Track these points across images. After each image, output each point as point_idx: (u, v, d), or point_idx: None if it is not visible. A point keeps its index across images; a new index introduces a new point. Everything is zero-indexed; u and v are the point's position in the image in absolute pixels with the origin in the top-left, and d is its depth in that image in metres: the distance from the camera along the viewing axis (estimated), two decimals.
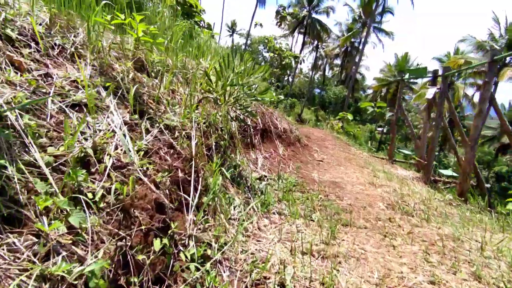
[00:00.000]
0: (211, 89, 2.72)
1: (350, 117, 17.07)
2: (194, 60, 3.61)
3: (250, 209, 2.50)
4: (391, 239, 2.58)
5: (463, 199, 4.73)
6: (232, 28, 54.38)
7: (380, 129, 37.16)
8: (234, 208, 2.36)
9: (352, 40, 38.59)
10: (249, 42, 45.57)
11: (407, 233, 2.75)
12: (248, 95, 2.81)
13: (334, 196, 3.67)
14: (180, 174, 1.87)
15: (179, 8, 7.13)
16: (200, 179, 2.06)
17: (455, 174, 5.74)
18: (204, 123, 2.73)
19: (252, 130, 4.36)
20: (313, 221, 2.75)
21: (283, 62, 16.43)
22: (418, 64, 32.53)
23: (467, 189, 4.79)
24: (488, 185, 6.26)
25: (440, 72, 6.77)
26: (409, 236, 2.68)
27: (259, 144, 4.54)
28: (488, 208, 5.18)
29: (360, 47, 33.37)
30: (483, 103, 4.50)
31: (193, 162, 2.03)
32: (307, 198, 3.34)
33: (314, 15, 34.78)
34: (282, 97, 15.05)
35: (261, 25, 20.23)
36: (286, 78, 50.29)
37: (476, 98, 29.62)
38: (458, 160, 7.12)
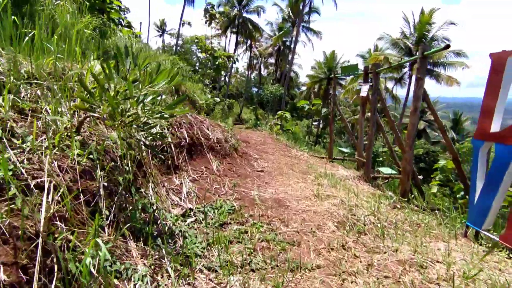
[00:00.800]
0: (92, 105, 1.87)
1: (288, 115, 17.11)
2: (79, 63, 2.66)
3: (163, 277, 1.74)
4: (352, 282, 2.06)
5: (406, 199, 4.59)
6: (162, 28, 51.60)
7: (315, 123, 38.88)
8: (134, 287, 1.57)
9: (284, 39, 39.51)
10: (180, 42, 43.62)
11: (366, 267, 2.27)
12: (152, 111, 2.02)
13: (278, 221, 3.08)
14: (3, 276, 1.02)
15: (86, 2, 5.89)
16: (57, 265, 1.23)
17: (394, 172, 5.74)
18: (85, 155, 1.86)
19: (174, 148, 3.55)
20: (254, 271, 2.09)
21: (216, 62, 15.67)
22: (349, 61, 34.62)
23: (409, 189, 4.67)
24: (421, 177, 6.40)
25: (371, 69, 6.74)
26: (370, 273, 2.20)
27: (186, 164, 3.74)
28: (427, 204, 5.18)
29: (292, 46, 34.27)
30: (417, 100, 4.39)
31: (40, 239, 1.19)
32: (245, 232, 2.68)
33: (245, 15, 34.61)
34: (218, 99, 14.32)
35: (189, 23, 19.07)
36: (223, 79, 49.53)
37: (395, 91, 32.72)
38: (391, 153, 7.23)
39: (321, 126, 31.04)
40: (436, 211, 4.53)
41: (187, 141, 4.05)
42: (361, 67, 7.96)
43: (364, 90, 6.49)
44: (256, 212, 3.24)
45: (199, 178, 3.77)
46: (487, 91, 3.10)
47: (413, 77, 27.70)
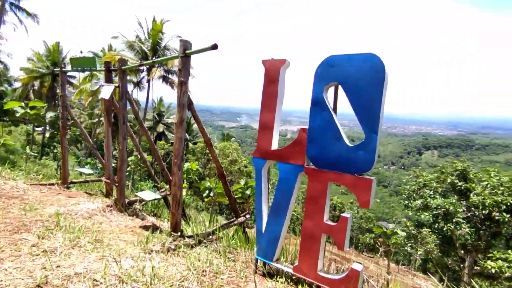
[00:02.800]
0: None
1: None
2: None
3: None
4: None
5: (179, 233, 3.67)
6: None
7: (39, 129, 30.87)
8: None
9: None
10: None
11: None
12: None
13: None
14: None
15: None
16: None
17: (157, 196, 4.71)
18: None
19: None
20: None
21: None
22: (83, 53, 29.56)
23: (180, 220, 3.79)
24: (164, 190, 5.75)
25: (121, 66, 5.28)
26: None
27: None
28: (203, 231, 4.61)
29: None
30: (182, 109, 3.55)
31: None
32: None
33: None
34: None
35: None
36: None
37: (135, 95, 32.17)
38: (149, 169, 6.21)
39: (47, 134, 24.84)
40: (210, 235, 3.98)
41: None
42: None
43: (107, 91, 4.94)
44: None
45: None
46: (264, 103, 2.72)
47: (151, 81, 28.39)
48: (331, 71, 2.33)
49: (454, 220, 11.97)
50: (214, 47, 3.07)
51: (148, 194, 4.63)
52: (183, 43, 3.41)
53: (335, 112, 2.43)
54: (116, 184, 5.03)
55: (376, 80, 2.11)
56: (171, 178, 5.73)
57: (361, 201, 2.21)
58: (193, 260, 2.98)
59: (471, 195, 12.00)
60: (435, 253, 13.47)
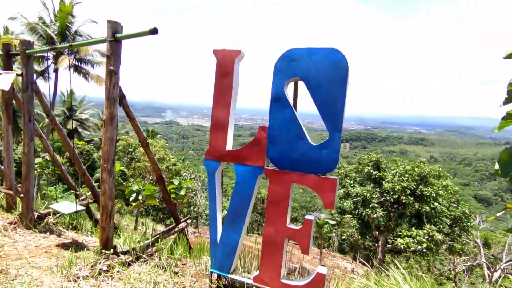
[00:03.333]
0: None
1: None
2: None
3: None
4: None
5: (111, 251, 3.11)
6: None
7: None
8: None
9: None
10: None
11: None
12: None
13: None
14: None
15: None
16: None
17: (79, 208, 3.89)
18: None
19: None
20: None
21: None
22: None
23: (113, 235, 3.23)
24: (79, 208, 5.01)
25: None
26: None
27: None
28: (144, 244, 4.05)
29: None
30: (113, 104, 2.99)
31: None
32: None
33: None
34: None
35: None
36: None
37: (40, 87, 27.57)
38: (63, 173, 5.28)
39: None
40: (150, 247, 3.50)
41: None
42: None
43: (7, 81, 3.95)
44: None
45: None
46: (217, 99, 2.42)
47: (59, 71, 24.77)
48: (292, 66, 2.17)
49: (370, 206, 13.44)
50: (154, 31, 2.63)
51: (67, 206, 3.84)
52: (111, 24, 2.85)
53: (295, 109, 2.30)
54: (21, 195, 4.08)
55: (339, 76, 2.03)
56: (93, 184, 4.94)
57: (326, 202, 2.12)
58: (134, 282, 2.53)
59: (384, 182, 13.63)
60: (355, 236, 14.96)
